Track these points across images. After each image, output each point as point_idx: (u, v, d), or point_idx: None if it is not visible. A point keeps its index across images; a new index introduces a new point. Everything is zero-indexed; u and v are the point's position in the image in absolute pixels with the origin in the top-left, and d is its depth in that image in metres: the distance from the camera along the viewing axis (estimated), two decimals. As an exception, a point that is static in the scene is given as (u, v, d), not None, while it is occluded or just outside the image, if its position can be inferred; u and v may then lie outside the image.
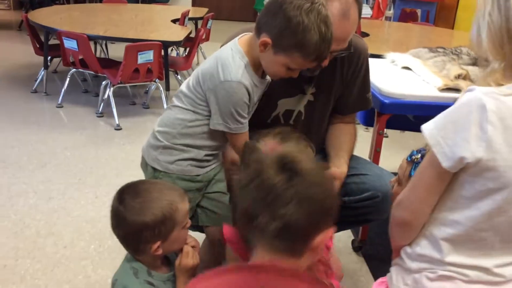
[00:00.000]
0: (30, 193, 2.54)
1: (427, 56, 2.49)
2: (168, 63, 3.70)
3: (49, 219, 2.32)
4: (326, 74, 1.69)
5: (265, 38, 1.32)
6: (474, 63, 2.26)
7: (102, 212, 2.38)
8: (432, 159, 0.96)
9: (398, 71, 2.35)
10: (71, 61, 3.69)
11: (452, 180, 0.97)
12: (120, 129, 3.48)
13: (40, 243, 2.13)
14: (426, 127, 0.98)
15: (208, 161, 1.53)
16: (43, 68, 4.04)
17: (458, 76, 2.18)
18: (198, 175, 1.52)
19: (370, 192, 1.65)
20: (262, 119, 1.73)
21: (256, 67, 1.42)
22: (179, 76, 4.13)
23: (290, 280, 0.89)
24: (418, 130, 1.57)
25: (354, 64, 1.73)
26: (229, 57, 1.40)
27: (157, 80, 3.66)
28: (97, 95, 3.93)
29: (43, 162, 2.91)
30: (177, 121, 1.49)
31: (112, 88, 3.56)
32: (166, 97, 3.76)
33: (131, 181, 1.27)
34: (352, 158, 1.79)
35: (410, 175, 1.23)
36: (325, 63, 1.56)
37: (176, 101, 1.51)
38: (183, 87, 1.50)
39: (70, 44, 3.54)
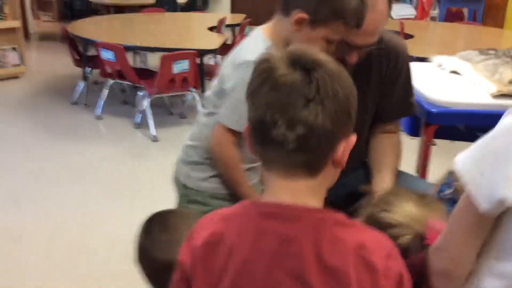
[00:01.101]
0: (67, 206, 2.52)
1: (477, 59, 2.31)
2: (204, 71, 3.64)
3: (82, 235, 2.28)
4: (360, 78, 1.57)
5: (299, 14, 1.22)
6: (530, 67, 2.08)
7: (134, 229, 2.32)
8: (467, 200, 0.80)
9: (446, 76, 2.19)
10: (109, 72, 3.70)
11: (496, 222, 0.81)
12: (157, 140, 3.44)
13: (73, 261, 2.09)
14: (459, 159, 0.82)
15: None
16: (82, 80, 4.07)
17: (513, 81, 2.01)
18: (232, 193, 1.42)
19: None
20: None
21: None
22: (216, 85, 4.07)
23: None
24: (468, 140, 1.45)
25: (392, 65, 1.59)
26: (249, 42, 1.32)
27: (193, 89, 3.61)
28: (135, 105, 3.92)
29: (81, 175, 2.90)
30: (206, 132, 1.39)
31: (149, 99, 3.53)
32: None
33: (161, 210, 1.19)
34: (398, 175, 1.66)
35: None
36: (353, 59, 1.43)
37: (203, 109, 1.43)
38: (209, 91, 1.41)
39: (107, 55, 3.54)
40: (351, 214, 1.11)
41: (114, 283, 1.97)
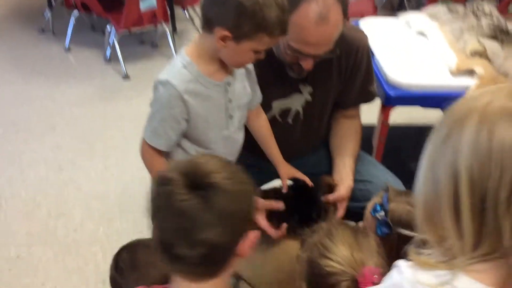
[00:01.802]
0: (41, 164, 2.59)
1: (445, 18, 2.30)
2: (172, 3, 3.51)
3: (60, 196, 2.39)
4: (322, 72, 1.62)
5: (221, 32, 1.22)
6: (494, 35, 2.08)
7: (111, 187, 2.43)
8: None
9: (411, 42, 2.19)
10: (72, 3, 3.54)
11: None
12: (128, 77, 3.42)
13: (51, 226, 2.22)
14: None
15: None
16: (48, 7, 3.89)
17: (474, 53, 2.03)
18: None
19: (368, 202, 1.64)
20: None
21: (213, 68, 1.33)
22: (187, 14, 3.94)
23: None
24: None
25: (352, 60, 1.63)
26: (172, 60, 1.34)
27: (163, 22, 3.50)
28: (105, 33, 3.80)
29: (52, 124, 2.92)
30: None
31: (117, 35, 3.44)
32: (173, 40, 3.62)
33: (130, 242, 1.28)
34: (358, 160, 1.75)
35: (377, 233, 1.21)
36: (308, 66, 1.48)
37: None
38: None
39: (70, -13, 3.37)
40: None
41: (91, 247, 2.11)
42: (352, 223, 1.79)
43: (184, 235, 0.80)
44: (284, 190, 1.62)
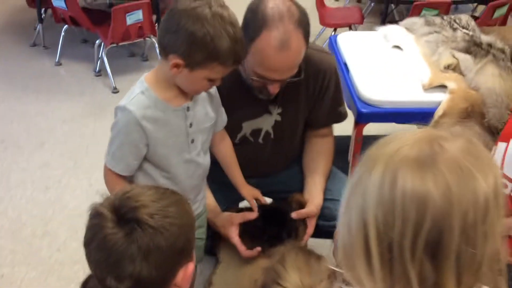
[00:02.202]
0: (28, 183, 2.64)
1: (421, 31, 2.31)
2: (160, 16, 3.54)
3: (45, 215, 2.43)
4: (291, 94, 1.64)
5: (175, 59, 1.25)
6: (468, 49, 2.09)
7: (95, 204, 2.45)
8: None
9: (387, 56, 2.20)
10: (62, 17, 3.58)
11: None
12: (118, 91, 3.45)
13: (36, 245, 2.26)
14: None
15: None
16: (38, 22, 3.94)
17: (448, 67, 2.04)
18: None
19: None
20: (231, 140, 1.71)
21: (172, 93, 1.35)
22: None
23: None
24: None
25: (319, 82, 1.66)
26: (133, 87, 1.36)
27: (151, 36, 3.53)
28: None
29: (42, 141, 2.96)
30: None
31: (105, 49, 3.48)
32: (162, 52, 3.65)
33: None
34: (329, 178, 1.77)
35: None
36: (274, 90, 1.51)
37: None
38: None
39: (59, 3, 3.41)
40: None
41: (73, 266, 2.14)
42: (328, 241, 1.82)
43: (111, 269, 0.84)
44: (254, 210, 1.65)
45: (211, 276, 1.76)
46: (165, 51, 1.27)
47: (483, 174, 0.67)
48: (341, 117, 1.77)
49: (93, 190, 2.57)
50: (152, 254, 0.83)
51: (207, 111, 1.47)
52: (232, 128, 1.67)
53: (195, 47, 1.22)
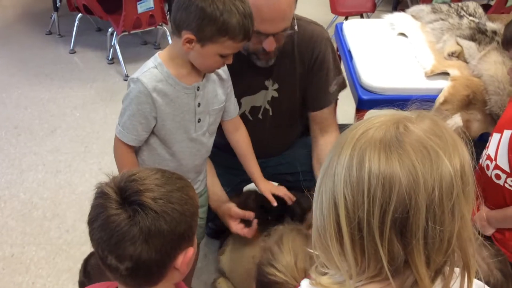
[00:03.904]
0: (40, 166, 2.71)
1: (427, 18, 2.29)
2: (171, 4, 3.56)
3: (56, 198, 2.49)
4: (286, 67, 1.67)
5: (187, 35, 1.29)
6: (473, 36, 2.08)
7: (104, 188, 2.51)
8: None
9: (392, 43, 2.19)
10: (75, 6, 3.64)
11: None
12: (129, 79, 3.50)
13: (45, 226, 2.33)
14: None
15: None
16: (54, 10, 4.00)
17: (452, 54, 2.03)
18: None
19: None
20: None
21: (184, 71, 1.39)
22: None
23: None
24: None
25: (309, 53, 1.67)
26: (147, 61, 1.41)
27: (162, 24, 3.57)
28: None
29: (53, 126, 3.03)
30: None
31: (117, 37, 3.52)
32: (173, 40, 3.68)
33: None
34: None
35: None
36: (270, 46, 1.51)
37: None
38: None
39: (71, -9, 3.46)
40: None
41: (81, 247, 2.21)
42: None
43: (113, 249, 0.86)
44: (274, 204, 1.64)
45: (219, 255, 1.81)
46: (178, 28, 1.31)
47: (448, 154, 0.69)
48: (343, 85, 1.78)
49: (102, 174, 2.61)
50: (153, 237, 0.85)
51: (217, 93, 1.50)
52: None
53: (205, 22, 1.26)
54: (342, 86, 1.80)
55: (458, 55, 2.02)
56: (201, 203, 1.65)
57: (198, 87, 1.43)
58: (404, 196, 0.67)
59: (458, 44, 2.04)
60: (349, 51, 2.13)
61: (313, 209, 0.77)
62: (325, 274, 0.79)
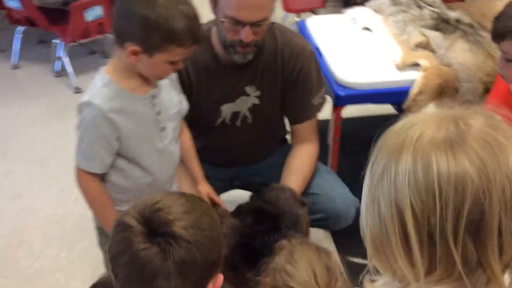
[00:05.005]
0: (-3, 192, 2.52)
1: (388, 11, 2.32)
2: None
3: (17, 224, 2.33)
4: (268, 76, 1.64)
5: (131, 47, 1.22)
6: (436, 26, 2.12)
7: (68, 209, 2.38)
8: None
9: (357, 38, 2.20)
10: (16, 18, 3.43)
11: None
12: (80, 91, 3.34)
13: (12, 256, 2.16)
14: None
15: None
16: (-10, 24, 3.76)
17: (418, 45, 2.06)
18: None
19: (321, 214, 1.64)
20: (210, 125, 1.69)
21: (135, 82, 1.31)
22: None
23: None
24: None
25: (292, 65, 1.64)
26: (93, 81, 1.33)
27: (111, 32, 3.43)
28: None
29: (4, 148, 2.84)
30: None
31: (65, 48, 3.36)
32: (124, 48, 3.55)
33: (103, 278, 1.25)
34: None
35: None
36: (247, 37, 1.46)
37: None
38: None
39: (12, 3, 3.26)
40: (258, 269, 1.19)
41: (54, 274, 2.07)
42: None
43: (143, 286, 0.79)
44: (223, 207, 1.59)
45: None
46: (121, 39, 1.23)
47: (510, 145, 0.67)
48: (315, 110, 1.73)
49: (65, 195, 2.48)
50: (188, 269, 0.79)
51: (172, 96, 1.44)
52: (211, 112, 1.65)
53: (150, 31, 1.19)
54: (324, 100, 1.77)
55: (425, 46, 2.06)
56: None
57: (154, 95, 1.36)
58: (479, 195, 0.64)
59: (423, 34, 2.08)
60: (317, 48, 2.12)
61: (365, 219, 0.74)
62: (374, 281, 0.76)
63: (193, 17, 1.23)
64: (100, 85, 1.29)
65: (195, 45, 1.27)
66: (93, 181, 1.36)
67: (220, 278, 0.86)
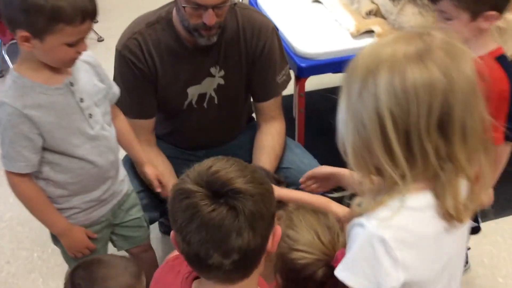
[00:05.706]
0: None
1: (336, -19, 2.37)
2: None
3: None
4: (231, 55, 1.65)
5: (20, 33, 1.15)
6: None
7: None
8: None
9: (309, 11, 2.25)
10: None
11: None
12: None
13: (-20, 262, 2.09)
14: (342, 276, 0.88)
15: (104, 200, 1.46)
16: None
17: (369, 13, 2.14)
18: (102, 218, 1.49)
19: (294, 186, 1.68)
20: (178, 108, 1.69)
21: (46, 72, 1.25)
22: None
23: None
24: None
25: (254, 42, 1.66)
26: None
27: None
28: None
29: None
30: None
31: (5, 47, 3.21)
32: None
33: (84, 260, 1.27)
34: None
35: None
36: (210, 20, 1.46)
37: None
38: None
39: None
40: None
41: (29, 275, 2.02)
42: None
43: (217, 246, 0.80)
44: (158, 190, 1.57)
45: None
46: (11, 28, 1.17)
47: (468, 51, 0.83)
48: (280, 87, 1.76)
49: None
50: (257, 222, 0.81)
51: (94, 82, 1.37)
52: (178, 95, 1.66)
53: (32, 13, 1.12)
54: (289, 77, 1.80)
55: (375, 13, 2.13)
56: (132, 202, 1.57)
57: (71, 83, 1.29)
58: (446, 95, 0.78)
59: (373, 2, 2.15)
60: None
61: (345, 135, 0.87)
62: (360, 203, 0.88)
63: None
64: (10, 83, 1.23)
65: (87, 22, 1.18)
66: (24, 182, 1.30)
67: (278, 230, 0.89)
